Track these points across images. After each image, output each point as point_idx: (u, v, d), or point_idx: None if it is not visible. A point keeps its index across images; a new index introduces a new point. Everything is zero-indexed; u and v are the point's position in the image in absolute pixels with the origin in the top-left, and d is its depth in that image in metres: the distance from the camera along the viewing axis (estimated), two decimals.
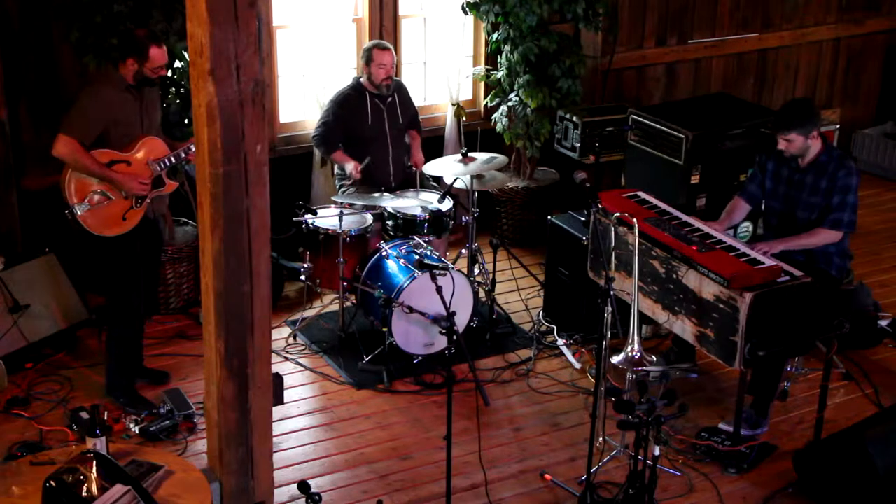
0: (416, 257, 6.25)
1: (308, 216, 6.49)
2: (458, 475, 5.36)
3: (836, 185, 5.68)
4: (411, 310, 6.07)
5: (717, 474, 5.50)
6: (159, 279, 6.52)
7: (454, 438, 4.87)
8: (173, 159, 5.66)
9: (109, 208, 5.51)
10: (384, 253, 6.39)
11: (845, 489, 5.15)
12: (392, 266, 6.33)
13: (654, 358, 5.65)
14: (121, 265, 5.69)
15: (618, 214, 5.59)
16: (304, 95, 7.48)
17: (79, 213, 5.44)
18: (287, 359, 6.47)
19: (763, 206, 6.08)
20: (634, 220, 5.37)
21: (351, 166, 6.75)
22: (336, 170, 7.03)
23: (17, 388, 5.96)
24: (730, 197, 6.16)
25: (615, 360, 5.24)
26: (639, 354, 5.16)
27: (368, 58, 6.79)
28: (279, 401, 5.11)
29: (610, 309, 5.12)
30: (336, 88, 7.01)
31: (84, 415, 5.44)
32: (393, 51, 6.85)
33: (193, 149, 5.56)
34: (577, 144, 7.69)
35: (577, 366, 6.44)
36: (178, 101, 6.56)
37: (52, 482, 3.84)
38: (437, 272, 5.82)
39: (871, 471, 5.00)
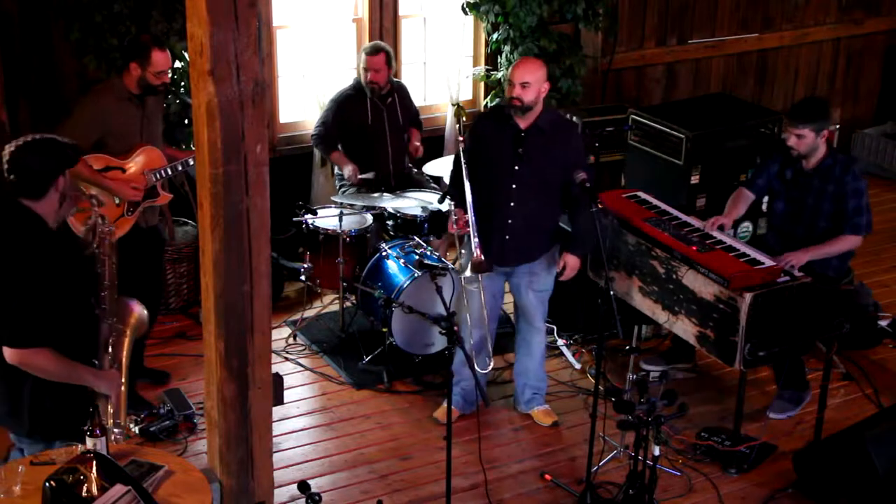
0: (416, 257, 6.25)
1: (308, 216, 6.49)
2: (458, 475, 5.36)
3: (847, 189, 5.66)
4: (411, 310, 6.06)
5: (717, 474, 5.50)
6: (163, 285, 6.49)
7: (454, 438, 4.87)
8: (169, 171, 5.63)
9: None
10: (384, 253, 6.38)
11: (845, 489, 5.15)
12: (392, 266, 6.33)
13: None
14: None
15: (617, 214, 5.59)
16: (304, 95, 7.47)
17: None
18: (287, 359, 6.47)
19: (766, 207, 6.07)
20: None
21: (349, 169, 6.74)
22: (336, 170, 7.03)
23: None
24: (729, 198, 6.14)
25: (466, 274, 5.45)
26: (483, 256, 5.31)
27: (360, 60, 6.79)
28: (279, 401, 5.10)
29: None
30: (336, 88, 7.01)
31: None
32: (385, 54, 6.75)
33: (191, 162, 5.56)
34: None
35: (577, 366, 6.44)
36: (177, 101, 6.55)
37: (52, 482, 3.83)
38: (437, 272, 5.82)
39: (871, 471, 5.00)
